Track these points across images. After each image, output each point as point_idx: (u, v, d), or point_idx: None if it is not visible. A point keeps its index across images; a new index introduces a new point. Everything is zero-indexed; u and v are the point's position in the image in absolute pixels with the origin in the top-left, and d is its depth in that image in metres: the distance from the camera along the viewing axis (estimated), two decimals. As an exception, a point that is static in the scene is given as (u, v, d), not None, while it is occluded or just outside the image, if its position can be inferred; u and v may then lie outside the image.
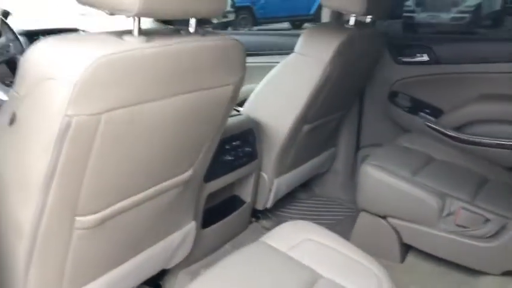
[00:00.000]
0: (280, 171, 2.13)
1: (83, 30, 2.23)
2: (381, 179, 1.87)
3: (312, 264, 1.26)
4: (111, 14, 1.00)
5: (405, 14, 5.75)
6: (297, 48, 1.92)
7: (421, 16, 6.15)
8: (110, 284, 1.34)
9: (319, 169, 2.53)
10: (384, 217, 1.91)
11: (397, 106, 2.49)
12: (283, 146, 2.02)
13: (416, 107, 2.45)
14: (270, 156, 2.05)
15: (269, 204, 2.17)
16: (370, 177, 1.90)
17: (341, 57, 1.86)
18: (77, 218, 1.12)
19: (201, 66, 1.17)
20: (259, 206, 2.17)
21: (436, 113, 2.42)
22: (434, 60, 2.40)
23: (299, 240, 1.33)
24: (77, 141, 0.97)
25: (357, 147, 2.68)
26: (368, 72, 2.36)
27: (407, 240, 1.87)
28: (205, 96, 1.23)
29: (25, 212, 1.03)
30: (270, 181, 2.10)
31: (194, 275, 1.80)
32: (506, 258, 1.67)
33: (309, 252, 1.30)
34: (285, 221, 2.33)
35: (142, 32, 1.04)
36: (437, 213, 1.76)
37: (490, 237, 1.69)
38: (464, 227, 1.73)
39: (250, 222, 2.22)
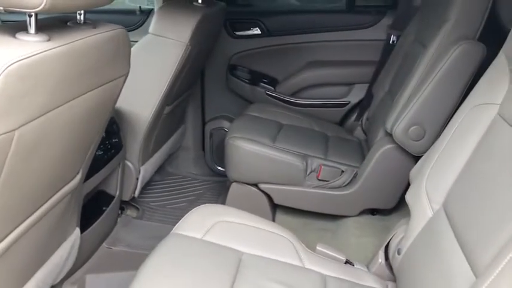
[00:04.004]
0: (145, 158, 2.06)
1: None
2: (248, 150, 1.98)
3: (231, 244, 1.30)
4: (7, 11, 0.83)
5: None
6: (152, 29, 1.85)
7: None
8: None
9: (174, 148, 2.52)
10: (255, 184, 2.04)
11: (237, 78, 2.62)
12: (147, 132, 1.96)
13: (255, 78, 2.62)
14: (134, 144, 1.96)
15: (137, 193, 2.10)
16: (238, 150, 1.99)
17: (198, 35, 1.88)
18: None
19: (104, 60, 1.07)
20: (126, 197, 2.08)
21: (273, 82, 2.63)
22: (266, 33, 2.58)
23: (211, 224, 1.35)
24: None
25: (203, 122, 2.74)
26: (211, 48, 2.41)
27: (278, 201, 2.04)
28: (105, 90, 1.14)
29: None
30: (136, 170, 2.03)
31: (80, 283, 1.66)
32: (361, 200, 1.98)
33: (224, 233, 1.33)
34: (149, 206, 2.34)
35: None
36: (302, 172, 1.97)
37: (346, 185, 1.98)
38: (325, 180, 1.97)
39: (119, 215, 2.11)
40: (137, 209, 2.27)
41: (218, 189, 2.58)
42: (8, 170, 0.86)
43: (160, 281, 1.13)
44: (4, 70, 0.76)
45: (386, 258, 1.33)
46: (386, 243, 1.34)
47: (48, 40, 0.89)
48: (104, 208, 1.89)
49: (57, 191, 1.20)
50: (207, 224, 1.35)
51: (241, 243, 1.31)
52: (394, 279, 1.31)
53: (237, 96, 2.68)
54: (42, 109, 0.88)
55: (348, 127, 2.57)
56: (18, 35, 0.87)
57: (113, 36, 1.10)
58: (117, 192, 1.97)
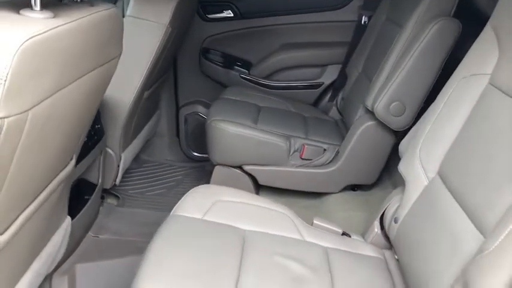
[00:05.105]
0: (125, 145, 2.03)
1: None
2: (232, 132, 1.98)
3: (232, 222, 1.31)
4: None
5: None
6: (130, 11, 1.81)
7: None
8: None
9: (150, 134, 2.49)
10: (239, 166, 2.05)
11: (211, 62, 2.61)
12: (128, 118, 1.92)
13: (229, 61, 2.61)
14: (115, 131, 1.92)
15: (118, 181, 2.06)
16: (222, 133, 1.99)
17: (177, 17, 1.85)
18: (-12, 243, 0.91)
19: (103, 39, 1.05)
20: (107, 185, 2.04)
21: (247, 65, 2.63)
22: (238, 16, 2.57)
23: (210, 204, 1.35)
24: (4, 149, 0.77)
25: (177, 107, 2.71)
26: (187, 31, 2.38)
27: (262, 181, 2.06)
28: (102, 71, 1.12)
29: None
30: (118, 156, 1.99)
31: (70, 274, 1.63)
32: (343, 177, 2.03)
33: (224, 212, 1.34)
34: (128, 194, 2.30)
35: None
36: (286, 152, 1.99)
37: (329, 163, 2.03)
38: (308, 159, 2.01)
39: (101, 204, 2.07)
40: (117, 197, 2.23)
41: (196, 174, 2.57)
42: (19, 153, 0.84)
43: (170, 263, 1.12)
44: (20, 46, 0.73)
45: (382, 228, 1.39)
46: (381, 213, 1.39)
47: (53, 17, 0.86)
48: (86, 197, 1.85)
49: (54, 177, 1.17)
50: (206, 204, 1.35)
51: (242, 221, 1.32)
52: (389, 247, 1.37)
53: (211, 80, 2.67)
54: (51, 89, 0.85)
55: (322, 108, 2.62)
56: (22, 12, 0.84)
57: (110, 15, 1.07)
58: (100, 180, 1.93)
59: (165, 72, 2.29)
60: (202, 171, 2.54)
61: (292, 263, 1.18)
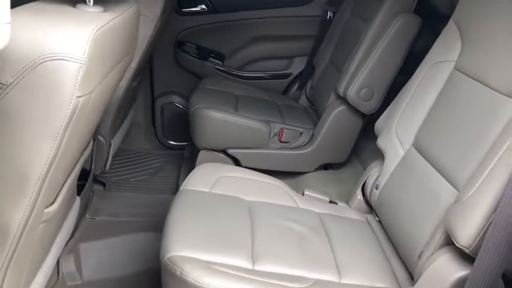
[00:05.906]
0: (114, 132, 2.13)
1: None
2: (218, 118, 2.14)
3: (236, 194, 1.48)
4: None
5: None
6: (122, 5, 1.91)
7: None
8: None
9: (130, 122, 2.58)
10: (222, 150, 2.21)
11: (187, 54, 2.73)
12: (118, 107, 2.02)
13: (204, 53, 2.75)
14: (107, 119, 2.00)
15: (107, 167, 2.16)
16: (207, 119, 2.14)
17: (165, 10, 1.98)
18: (45, 210, 1.03)
19: (131, 32, 1.19)
20: (97, 171, 2.13)
21: (220, 57, 2.78)
22: (212, 10, 2.71)
23: (214, 179, 1.51)
24: (75, 124, 0.90)
25: (153, 97, 2.81)
26: (167, 23, 2.50)
27: (245, 164, 2.22)
28: (127, 60, 1.25)
29: (14, 214, 0.90)
30: (108, 143, 2.08)
31: (75, 252, 1.73)
32: (318, 157, 2.25)
33: (228, 186, 1.50)
34: (113, 180, 2.40)
35: None
36: (267, 136, 2.18)
37: (304, 145, 2.23)
38: (286, 142, 2.21)
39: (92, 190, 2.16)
40: (103, 183, 2.32)
41: (175, 160, 2.69)
42: (80, 128, 0.96)
43: (191, 229, 1.27)
44: (93, 35, 0.86)
45: (363, 195, 1.60)
46: (362, 183, 1.60)
47: (104, 11, 0.99)
48: (79, 182, 1.94)
49: (82, 154, 1.29)
50: (211, 180, 1.51)
51: (245, 193, 1.49)
52: (370, 211, 1.59)
53: (185, 71, 2.79)
54: (104, 74, 0.98)
55: (291, 96, 2.82)
56: (79, 6, 0.96)
57: (135, 11, 1.21)
58: (93, 166, 2.02)
59: (146, 63, 2.40)
60: (181, 158, 2.67)
61: (294, 225, 1.37)
